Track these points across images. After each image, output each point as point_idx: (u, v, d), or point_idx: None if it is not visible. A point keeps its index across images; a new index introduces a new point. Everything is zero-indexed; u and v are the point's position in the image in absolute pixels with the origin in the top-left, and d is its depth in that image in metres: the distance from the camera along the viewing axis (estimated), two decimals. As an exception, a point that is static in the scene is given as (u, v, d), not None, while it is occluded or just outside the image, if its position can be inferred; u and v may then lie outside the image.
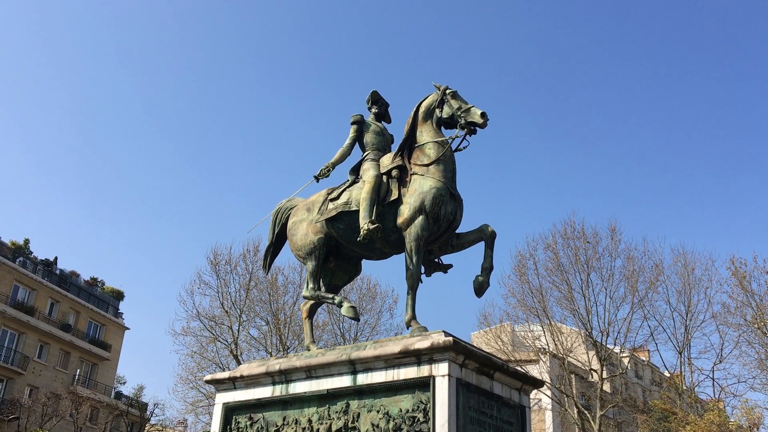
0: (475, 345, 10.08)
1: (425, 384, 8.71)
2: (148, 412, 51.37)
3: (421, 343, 8.84)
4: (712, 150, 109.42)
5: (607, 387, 46.66)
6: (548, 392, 39.63)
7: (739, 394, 34.44)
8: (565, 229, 38.15)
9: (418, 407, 8.65)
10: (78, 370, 52.17)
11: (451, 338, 8.71)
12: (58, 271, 52.85)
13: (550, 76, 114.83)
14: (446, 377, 8.58)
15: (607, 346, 37.92)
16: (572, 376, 43.87)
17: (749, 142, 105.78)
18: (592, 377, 43.90)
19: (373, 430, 8.92)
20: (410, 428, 8.62)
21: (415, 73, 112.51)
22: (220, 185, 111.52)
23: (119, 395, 55.95)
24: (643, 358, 67.37)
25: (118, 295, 58.97)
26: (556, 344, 37.70)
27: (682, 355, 36.58)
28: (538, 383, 10.18)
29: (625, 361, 57.56)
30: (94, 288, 56.62)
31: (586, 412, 37.61)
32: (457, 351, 8.73)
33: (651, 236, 68.77)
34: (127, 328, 58.70)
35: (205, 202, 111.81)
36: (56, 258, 53.15)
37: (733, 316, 33.20)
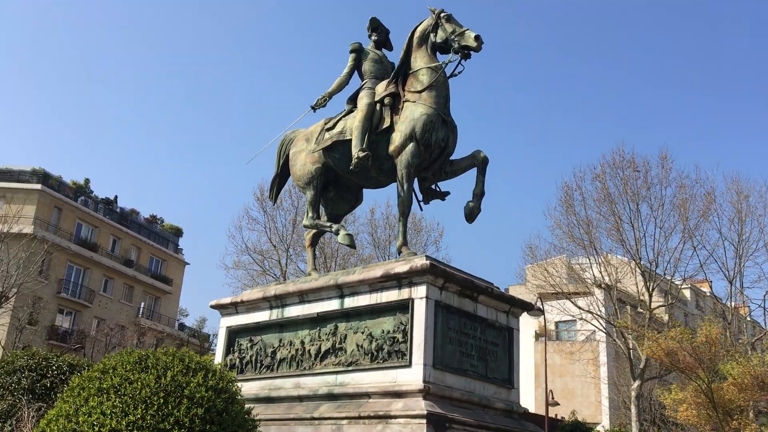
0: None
1: (405, 306, 8.94)
2: (210, 342, 54.09)
3: (401, 267, 9.04)
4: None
5: (665, 318, 46.13)
6: (597, 324, 39.41)
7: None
8: (613, 158, 37.07)
9: (398, 328, 8.92)
10: (142, 303, 54.81)
11: (428, 262, 8.86)
12: (118, 210, 55.01)
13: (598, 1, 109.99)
14: (424, 299, 8.77)
15: (665, 277, 37.29)
16: (627, 307, 43.49)
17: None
18: (641, 308, 43.47)
19: (358, 350, 9.27)
20: (390, 348, 8.92)
21: None
22: (269, 123, 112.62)
23: (182, 327, 58.74)
24: (705, 290, 66.15)
25: (177, 232, 61.10)
26: (602, 275, 37.32)
27: (733, 285, 35.82)
28: (527, 306, 10.28)
29: (686, 292, 56.59)
30: (153, 225, 58.76)
31: (634, 342, 37.44)
32: (436, 274, 8.89)
33: (704, 164, 66.08)
34: (187, 263, 61.07)
35: (254, 136, 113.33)
36: (116, 197, 55.22)
37: (789, 244, 32.12)
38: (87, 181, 52.45)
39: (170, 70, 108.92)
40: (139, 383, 5.93)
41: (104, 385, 5.95)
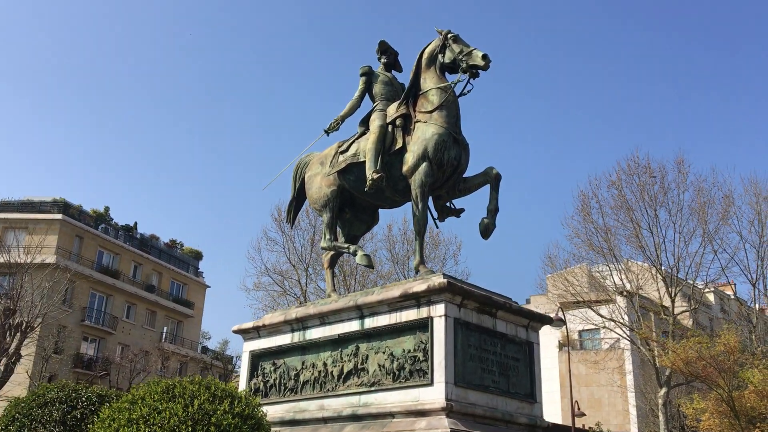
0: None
1: (425, 325, 9.05)
2: (233, 364, 54.32)
3: (419, 287, 9.15)
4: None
5: (690, 323, 45.60)
6: (620, 332, 39.06)
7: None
8: (629, 165, 36.91)
9: (419, 347, 9.02)
10: (165, 328, 55.20)
11: (446, 280, 8.97)
12: (138, 236, 55.56)
13: (607, 3, 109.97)
14: (443, 317, 8.88)
15: (687, 281, 36.95)
16: (651, 314, 43.03)
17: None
18: (664, 315, 43.03)
19: (380, 370, 9.38)
20: (411, 367, 9.02)
21: (430, 18, 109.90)
22: (284, 143, 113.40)
23: (205, 350, 59.01)
24: (729, 293, 65.25)
25: (197, 255, 61.55)
26: (623, 282, 37.08)
27: (756, 288, 35.47)
28: (546, 320, 10.34)
29: (710, 296, 55.82)
30: (173, 250, 59.23)
31: (658, 349, 37.05)
32: (453, 292, 8.99)
33: (721, 166, 65.56)
34: (208, 286, 61.42)
35: (270, 159, 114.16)
36: (136, 223, 55.76)
37: (812, 244, 31.76)
38: (107, 209, 53.11)
39: (184, 96, 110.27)
40: (168, 413, 6.09)
41: (134, 416, 6.12)
